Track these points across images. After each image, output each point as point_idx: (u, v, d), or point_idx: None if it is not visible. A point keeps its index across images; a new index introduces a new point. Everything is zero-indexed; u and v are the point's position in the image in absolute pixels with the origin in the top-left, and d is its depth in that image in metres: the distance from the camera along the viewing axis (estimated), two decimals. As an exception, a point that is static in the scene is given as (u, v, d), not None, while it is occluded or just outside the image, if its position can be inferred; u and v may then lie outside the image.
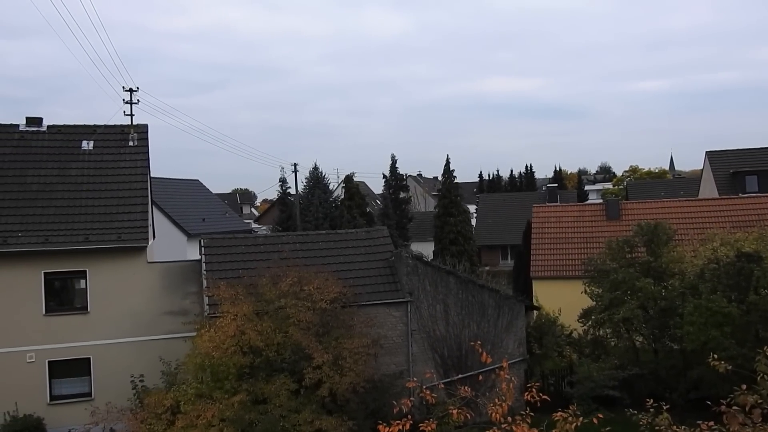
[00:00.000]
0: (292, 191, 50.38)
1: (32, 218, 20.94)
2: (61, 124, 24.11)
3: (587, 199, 76.94)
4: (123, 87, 26.45)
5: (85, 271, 20.85)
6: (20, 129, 23.36)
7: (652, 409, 8.19)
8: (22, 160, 22.57)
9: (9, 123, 23.52)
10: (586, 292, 23.35)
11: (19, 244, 20.17)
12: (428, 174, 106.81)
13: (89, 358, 20.70)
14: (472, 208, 67.99)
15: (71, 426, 19.45)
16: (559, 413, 6.97)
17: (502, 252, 60.47)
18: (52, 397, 20.49)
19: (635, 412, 8.76)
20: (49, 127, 23.80)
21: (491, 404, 6.70)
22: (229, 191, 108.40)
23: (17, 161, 22.48)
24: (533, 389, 7.44)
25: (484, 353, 8.27)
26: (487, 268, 49.28)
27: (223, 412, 15.86)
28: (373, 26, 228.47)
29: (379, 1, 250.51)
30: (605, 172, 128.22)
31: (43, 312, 20.44)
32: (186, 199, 45.64)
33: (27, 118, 23.74)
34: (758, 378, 7.96)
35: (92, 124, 24.38)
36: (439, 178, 61.15)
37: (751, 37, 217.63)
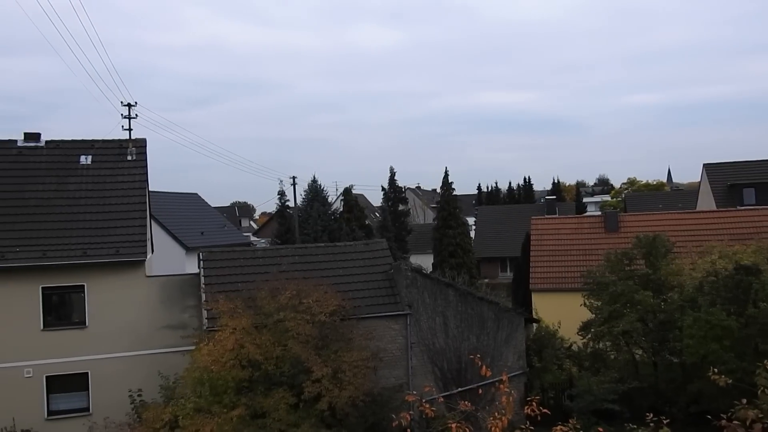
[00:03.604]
0: (291, 204, 50.38)
1: (30, 233, 20.94)
2: (59, 139, 24.17)
3: (586, 212, 76.92)
4: (121, 102, 26.74)
5: (83, 285, 20.83)
6: (18, 144, 23.37)
7: (652, 423, 8.16)
8: (20, 175, 22.56)
9: (7, 139, 23.55)
10: (585, 304, 23.30)
11: (17, 259, 20.16)
12: (427, 186, 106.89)
13: (87, 373, 20.62)
14: (470, 220, 67.97)
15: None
16: (559, 427, 6.95)
17: (501, 264, 60.38)
18: (50, 413, 20.38)
19: (635, 426, 8.72)
20: (47, 142, 23.82)
21: (491, 418, 6.68)
22: (228, 204, 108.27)
23: (15, 176, 22.49)
24: (533, 403, 7.42)
25: (484, 366, 8.25)
26: (486, 280, 49.04)
27: (221, 427, 15.78)
28: (367, 41, 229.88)
29: (371, 17, 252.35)
30: (603, 185, 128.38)
31: (41, 327, 20.39)
32: (184, 213, 45.65)
33: (25, 134, 23.75)
34: (759, 392, 7.95)
35: (90, 138, 24.43)
36: (438, 190, 61.26)
37: (744, 51, 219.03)
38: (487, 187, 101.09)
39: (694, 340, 19.11)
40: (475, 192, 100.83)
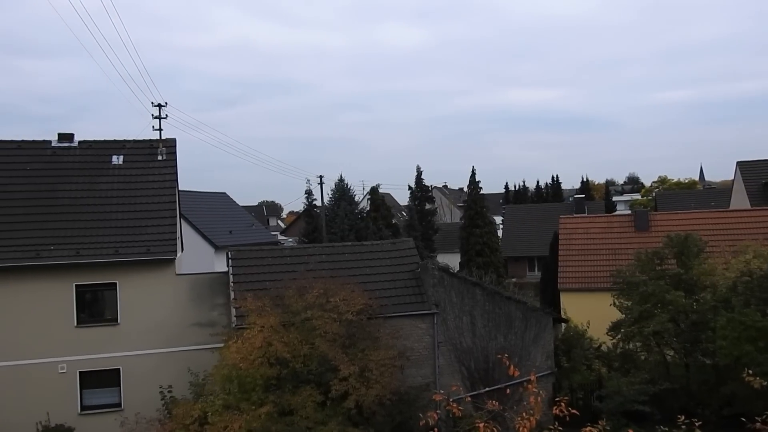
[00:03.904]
0: (318, 203, 50.66)
1: (64, 231, 21.36)
2: (92, 139, 24.62)
3: (615, 210, 75.99)
4: (152, 102, 27.10)
5: (115, 283, 21.19)
6: (52, 145, 23.88)
7: (683, 426, 8.03)
8: (53, 175, 23.03)
9: (41, 139, 24.06)
10: (614, 304, 23.02)
11: (51, 257, 20.58)
12: (454, 185, 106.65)
13: (119, 369, 20.99)
14: (498, 219, 67.58)
15: (101, 436, 19.73)
16: (588, 428, 6.87)
17: (529, 263, 59.99)
18: (83, 408, 20.80)
19: (666, 428, 8.59)
20: (80, 142, 24.29)
21: (519, 418, 6.63)
22: (256, 203, 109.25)
23: (49, 176, 22.96)
24: (562, 403, 7.35)
25: (512, 366, 8.20)
26: (513, 279, 48.81)
27: (249, 424, 15.93)
28: (393, 40, 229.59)
29: (397, 15, 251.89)
30: (633, 183, 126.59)
31: (75, 324, 20.80)
32: (213, 212, 46.16)
33: (59, 134, 24.25)
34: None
35: (122, 139, 24.86)
36: (465, 189, 60.95)
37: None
38: (515, 186, 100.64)
39: (727, 341, 18.74)
40: (503, 191, 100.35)
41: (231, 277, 21.52)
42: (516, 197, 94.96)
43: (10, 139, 23.81)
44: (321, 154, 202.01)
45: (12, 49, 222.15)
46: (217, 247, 38.80)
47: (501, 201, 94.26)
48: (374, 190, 50.89)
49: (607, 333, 23.25)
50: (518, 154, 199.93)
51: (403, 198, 78.41)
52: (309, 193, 50.86)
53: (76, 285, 20.85)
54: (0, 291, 20.28)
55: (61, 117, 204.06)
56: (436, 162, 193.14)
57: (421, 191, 58.20)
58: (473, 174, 51.27)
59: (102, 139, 24.72)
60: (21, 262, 20.31)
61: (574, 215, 48.14)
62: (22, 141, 23.83)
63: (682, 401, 19.94)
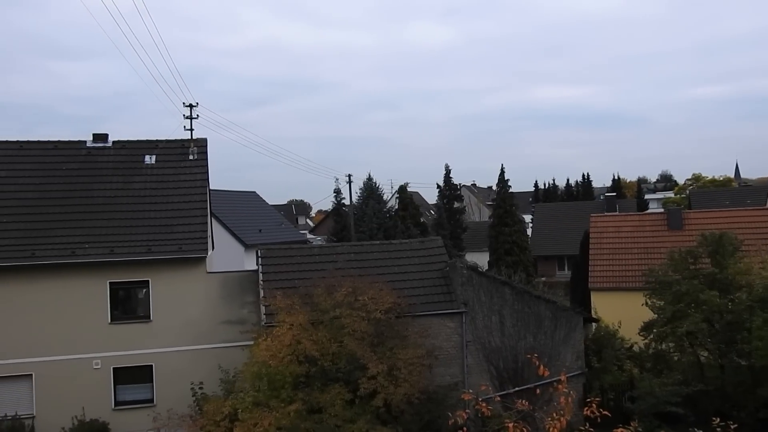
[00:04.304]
0: (347, 202, 50.83)
1: (98, 230, 21.79)
2: (125, 139, 25.07)
3: (647, 209, 74.85)
4: (183, 103, 27.38)
5: (148, 281, 21.55)
6: (87, 145, 24.39)
7: (718, 428, 7.89)
8: (88, 174, 23.53)
9: (77, 140, 24.60)
10: (647, 304, 22.68)
11: (86, 255, 21.01)
12: (483, 184, 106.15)
13: (151, 366, 21.34)
14: (527, 217, 67.05)
15: (134, 431, 20.07)
16: (620, 429, 6.80)
17: (559, 263, 59.38)
18: (117, 403, 21.20)
19: (700, 430, 8.45)
20: (114, 142, 24.77)
21: (549, 419, 6.58)
22: (285, 202, 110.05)
23: (84, 176, 23.46)
24: (593, 404, 7.27)
25: (541, 366, 8.14)
26: (543, 279, 48.42)
27: (279, 421, 16.05)
28: (421, 39, 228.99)
29: (424, 14, 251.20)
30: (666, 181, 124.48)
31: (109, 320, 21.20)
32: (243, 211, 46.60)
33: (94, 135, 24.76)
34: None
35: (154, 139, 25.24)
36: (494, 187, 60.64)
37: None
38: (545, 184, 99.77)
39: (764, 342, 18.34)
40: (532, 189, 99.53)
41: (260, 275, 21.71)
42: (546, 195, 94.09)
43: (45, 139, 24.40)
44: (349, 153, 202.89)
45: (46, 51, 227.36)
46: (247, 246, 39.16)
47: (530, 199, 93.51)
48: (402, 189, 50.89)
49: (639, 333, 22.94)
50: (548, 152, 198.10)
51: (431, 197, 78.52)
52: (338, 192, 51.15)
53: (110, 282, 21.27)
54: (37, 288, 20.78)
55: (95, 118, 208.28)
56: (465, 160, 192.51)
57: (449, 190, 58.05)
58: (502, 172, 50.95)
59: (135, 139, 25.20)
60: (57, 260, 20.76)
61: (606, 214, 47.47)
62: (58, 141, 24.40)
63: (716, 403, 19.54)
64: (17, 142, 24.12)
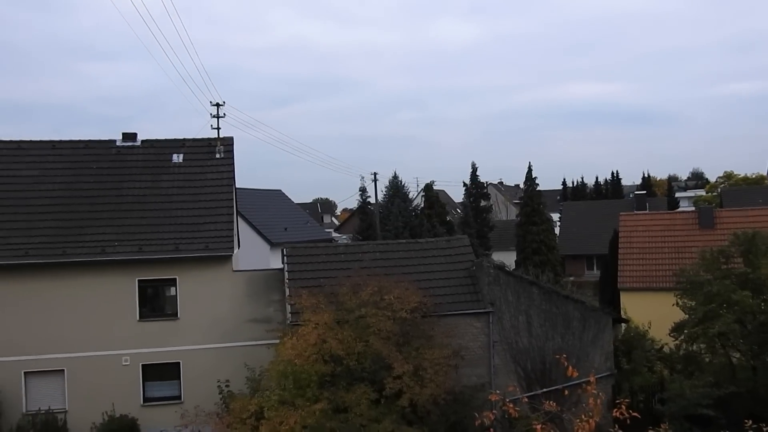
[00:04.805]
0: (372, 200, 50.91)
1: (127, 228, 22.14)
2: (154, 138, 25.43)
3: (678, 207, 73.67)
4: (210, 102, 27.79)
5: (175, 278, 21.84)
6: (117, 144, 24.80)
7: (750, 431, 7.74)
8: (118, 173, 23.92)
9: (107, 139, 25.03)
10: (677, 304, 22.36)
11: (116, 253, 21.36)
12: (510, 182, 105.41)
13: (179, 363, 21.62)
14: (555, 216, 66.46)
15: (162, 427, 20.37)
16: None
17: (588, 262, 58.68)
18: (145, 399, 21.53)
19: (733, 433, 8.30)
20: (142, 141, 25.15)
21: (577, 420, 6.53)
22: (310, 201, 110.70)
23: (114, 174, 23.85)
24: (622, 405, 7.19)
25: (570, 367, 8.07)
26: (571, 278, 47.91)
27: (304, 419, 16.15)
28: (446, 36, 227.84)
29: (450, 11, 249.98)
30: (697, 179, 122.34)
31: (137, 318, 21.54)
32: (269, 209, 46.93)
33: (123, 134, 25.18)
34: None
35: (182, 138, 25.56)
36: (521, 185, 60.21)
37: None
38: (573, 182, 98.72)
39: (799, 344, 17.92)
40: (560, 187, 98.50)
41: (286, 273, 21.84)
42: (574, 194, 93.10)
43: (77, 139, 24.86)
44: (375, 151, 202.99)
45: (77, 53, 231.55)
46: (273, 244, 39.44)
47: (558, 198, 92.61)
48: (428, 187, 50.84)
49: (669, 334, 22.63)
50: (576, 149, 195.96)
51: (457, 195, 78.20)
52: (363, 190, 51.20)
53: (138, 280, 21.60)
54: (68, 285, 21.20)
55: (124, 118, 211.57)
56: (492, 159, 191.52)
57: (476, 188, 57.82)
58: (530, 170, 50.55)
59: (163, 138, 25.53)
60: (87, 257, 21.15)
61: (635, 212, 46.86)
62: (89, 141, 24.87)
63: (748, 405, 19.15)
64: (49, 141, 24.64)
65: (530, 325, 21.75)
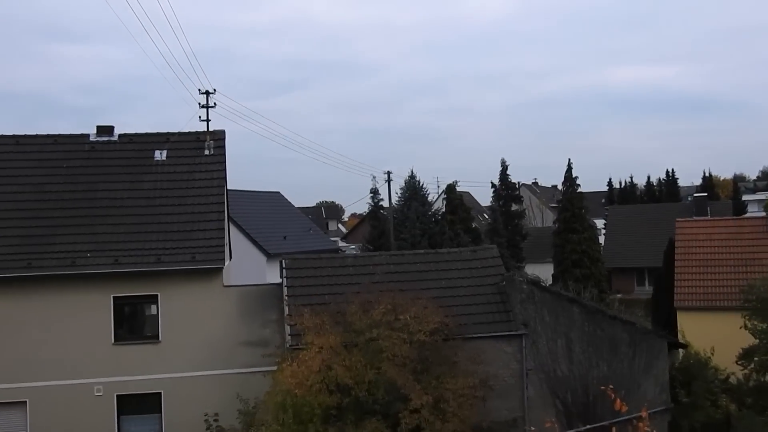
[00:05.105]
0: (386, 204, 51.01)
1: (102, 237, 22.26)
2: (133, 132, 25.60)
3: (746, 212, 73.11)
4: (199, 90, 27.87)
5: (157, 295, 21.91)
6: (91, 139, 24.99)
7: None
8: (92, 173, 24.09)
9: (79, 133, 25.20)
10: (745, 326, 22.26)
11: (88, 266, 21.45)
12: (546, 182, 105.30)
13: (160, 393, 21.66)
14: (599, 222, 66.24)
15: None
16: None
17: (638, 276, 58.48)
18: (121, 436, 21.58)
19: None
20: (120, 136, 25.32)
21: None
22: (314, 204, 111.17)
23: (87, 174, 24.04)
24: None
25: (618, 400, 8.00)
26: (618, 295, 47.84)
27: (306, 460, 16.14)
28: (473, 11, 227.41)
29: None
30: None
31: (112, 340, 21.61)
32: (266, 215, 47.17)
33: (98, 127, 25.37)
34: None
35: (165, 132, 25.72)
36: (559, 186, 60.16)
37: None
38: (620, 183, 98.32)
39: None
40: (605, 188, 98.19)
41: (285, 289, 21.88)
42: (621, 196, 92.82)
43: (45, 133, 25.08)
44: (389, 147, 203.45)
45: (45, 32, 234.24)
46: (270, 255, 39.58)
47: (603, 201, 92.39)
48: (451, 189, 50.86)
49: (737, 362, 22.59)
50: (625, 144, 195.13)
51: (485, 198, 78.21)
52: (375, 192, 51.41)
53: (114, 297, 21.67)
54: (33, 303, 21.30)
55: (101, 108, 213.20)
56: (525, 155, 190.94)
57: (506, 189, 57.84)
58: (569, 168, 50.46)
59: (144, 132, 25.70)
60: (56, 271, 21.28)
61: (695, 218, 46.58)
62: (59, 135, 25.10)
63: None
64: (13, 136, 24.85)
65: (570, 351, 21.70)
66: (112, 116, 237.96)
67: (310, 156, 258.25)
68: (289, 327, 20.51)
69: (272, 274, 33.53)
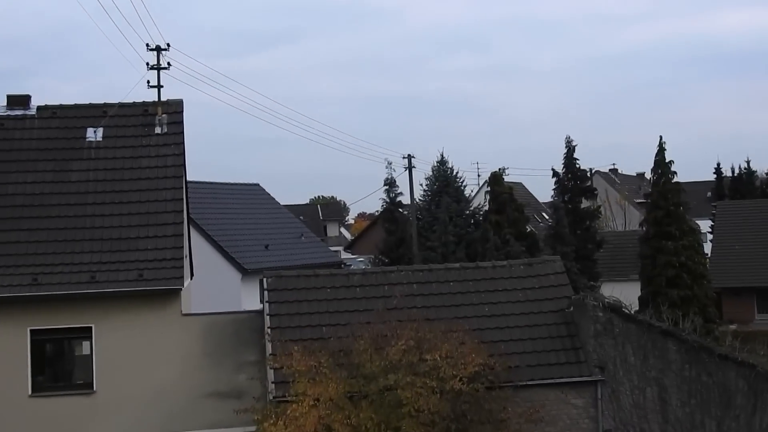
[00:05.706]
0: (406, 200, 50.96)
1: (16, 247, 22.29)
2: (57, 104, 25.64)
3: None
4: (147, 46, 27.84)
5: (90, 327, 21.90)
6: (0, 114, 25.00)
7: None
8: (2, 159, 24.10)
9: (-17, 105, 25.28)
10: None
11: (-4, 288, 21.48)
12: (628, 169, 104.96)
13: (95, 465, 21.68)
14: (704, 224, 65.82)
15: None
16: None
17: (759, 300, 58.11)
18: None
19: None
20: (39, 109, 25.35)
21: None
22: (307, 201, 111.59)
23: (-7, 160, 24.08)
24: None
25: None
26: (732, 326, 47.47)
27: None
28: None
29: None
30: None
31: (29, 392, 21.59)
32: (241, 216, 47.19)
33: (8, 97, 25.41)
34: None
35: (102, 102, 25.77)
36: (647, 175, 59.83)
37: None
38: (732, 170, 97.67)
39: None
40: (712, 178, 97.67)
41: (268, 318, 21.89)
42: (734, 189, 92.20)
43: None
44: (409, 122, 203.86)
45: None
46: (247, 272, 39.65)
47: (709, 194, 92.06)
48: (496, 179, 50.72)
49: None
50: (737, 117, 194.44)
51: (543, 191, 77.88)
52: (390, 183, 51.34)
53: (31, 331, 21.66)
54: None
55: (11, 71, 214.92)
56: (597, 132, 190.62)
57: (573, 179, 57.52)
58: (661, 150, 50.03)
59: (72, 103, 25.79)
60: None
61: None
62: (-44, 109, 25.12)
63: None
64: None
65: (665, 403, 21.67)
66: (28, 80, 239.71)
67: (301, 135, 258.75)
68: (272, 371, 20.51)
69: (250, 298, 33.60)
